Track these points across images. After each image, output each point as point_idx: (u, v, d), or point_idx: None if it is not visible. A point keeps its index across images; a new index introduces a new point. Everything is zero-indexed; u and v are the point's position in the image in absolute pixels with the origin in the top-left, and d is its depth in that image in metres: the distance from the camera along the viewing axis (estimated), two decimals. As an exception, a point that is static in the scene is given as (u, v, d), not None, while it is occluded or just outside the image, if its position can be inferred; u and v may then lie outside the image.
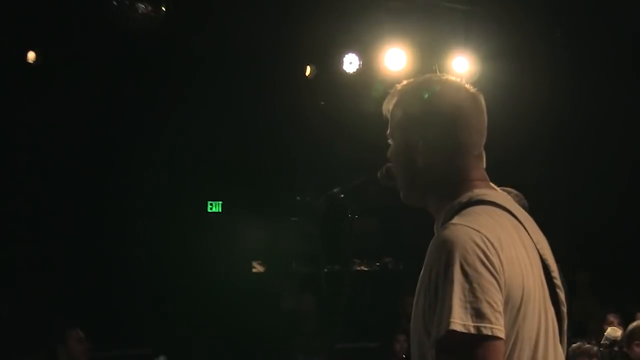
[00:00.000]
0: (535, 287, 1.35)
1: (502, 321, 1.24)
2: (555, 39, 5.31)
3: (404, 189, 1.50)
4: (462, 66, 4.97)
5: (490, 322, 1.24)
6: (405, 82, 1.46)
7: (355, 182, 2.96)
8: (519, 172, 5.33)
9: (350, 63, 4.99)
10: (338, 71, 4.98)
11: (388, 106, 1.48)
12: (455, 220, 1.35)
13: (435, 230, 1.42)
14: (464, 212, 1.38)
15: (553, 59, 5.47)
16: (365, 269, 4.32)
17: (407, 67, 4.83)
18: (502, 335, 1.24)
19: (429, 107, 1.42)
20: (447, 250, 1.28)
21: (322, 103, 4.86)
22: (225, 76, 5.11)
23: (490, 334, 1.24)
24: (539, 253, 1.42)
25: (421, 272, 1.38)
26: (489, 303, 1.25)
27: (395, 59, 4.92)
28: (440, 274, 1.27)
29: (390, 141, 1.46)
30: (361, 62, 4.91)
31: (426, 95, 1.43)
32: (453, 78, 1.47)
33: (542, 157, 6.03)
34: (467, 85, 1.45)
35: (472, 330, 1.23)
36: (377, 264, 4.21)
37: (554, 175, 5.79)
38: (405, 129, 1.43)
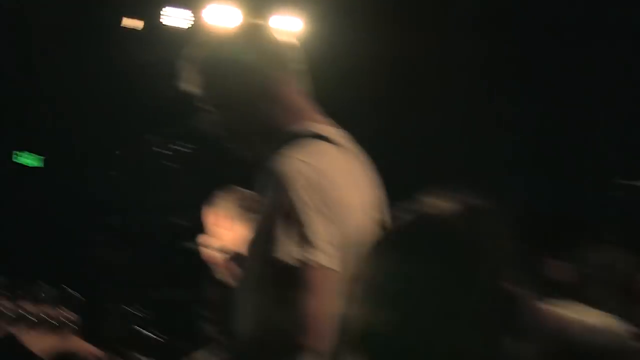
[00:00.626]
0: (366, 230, 1.36)
1: (332, 251, 1.28)
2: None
3: (255, 145, 1.51)
4: (290, 24, 5.10)
5: (323, 252, 1.30)
6: (193, 50, 1.50)
7: (171, 129, 3.07)
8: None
9: (171, 17, 4.96)
10: (158, 25, 4.95)
11: (192, 81, 1.50)
12: (287, 151, 1.37)
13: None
14: (295, 143, 1.41)
15: (387, 18, 5.79)
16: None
17: (232, 23, 4.82)
18: (332, 265, 1.28)
19: (238, 61, 1.47)
20: (277, 182, 1.32)
21: (144, 56, 4.79)
22: (42, 29, 4.84)
23: (322, 263, 1.29)
24: (371, 197, 1.44)
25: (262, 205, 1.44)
26: (317, 233, 1.30)
27: (219, 14, 4.94)
28: (270, 205, 1.33)
29: (211, 111, 1.48)
30: (184, 16, 4.92)
31: (228, 54, 1.48)
32: (231, 26, 1.63)
33: (372, 119, 6.40)
34: (249, 24, 1.65)
35: (301, 259, 1.28)
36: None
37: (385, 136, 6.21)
38: (229, 93, 1.46)
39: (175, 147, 3.81)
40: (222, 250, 2.71)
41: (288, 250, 1.31)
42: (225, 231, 2.72)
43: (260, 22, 1.72)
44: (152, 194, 4.32)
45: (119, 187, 4.40)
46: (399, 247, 0.82)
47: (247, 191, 2.61)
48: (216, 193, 2.74)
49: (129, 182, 4.13)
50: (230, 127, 1.51)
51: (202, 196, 2.93)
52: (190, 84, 1.50)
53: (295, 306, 1.34)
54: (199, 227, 3.05)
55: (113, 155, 4.18)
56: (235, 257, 2.69)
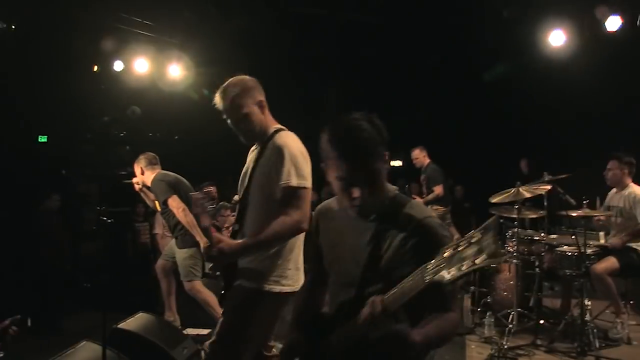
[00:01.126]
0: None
1: (310, 180, 2.47)
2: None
3: (250, 137, 2.76)
4: (176, 71, 8.13)
5: (309, 182, 2.52)
6: (222, 88, 2.68)
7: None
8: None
9: (117, 66, 7.88)
10: (111, 70, 7.87)
11: (219, 101, 2.69)
12: (281, 135, 2.64)
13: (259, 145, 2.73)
14: (280, 132, 2.69)
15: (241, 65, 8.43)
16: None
17: (148, 71, 7.96)
18: (310, 186, 2.46)
19: (242, 91, 2.66)
20: (283, 147, 2.56)
21: (103, 86, 7.95)
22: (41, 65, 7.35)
23: (309, 187, 2.52)
24: None
25: (263, 162, 2.66)
26: (305, 172, 2.52)
27: (141, 65, 7.95)
28: (280, 159, 2.51)
29: (227, 117, 2.67)
30: (123, 66, 7.86)
31: (237, 89, 2.68)
32: (239, 77, 2.71)
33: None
34: (244, 77, 2.71)
35: (302, 185, 2.49)
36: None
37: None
38: (237, 108, 2.67)
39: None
40: None
41: (295, 180, 2.47)
42: None
43: (244, 75, 2.74)
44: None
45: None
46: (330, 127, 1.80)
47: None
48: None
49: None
50: (239, 129, 2.71)
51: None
52: (220, 108, 2.67)
53: (298, 208, 2.46)
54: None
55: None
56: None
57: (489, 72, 8.52)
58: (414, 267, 1.62)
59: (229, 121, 2.73)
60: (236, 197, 8.23)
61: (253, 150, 2.92)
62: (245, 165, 2.90)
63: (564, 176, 5.62)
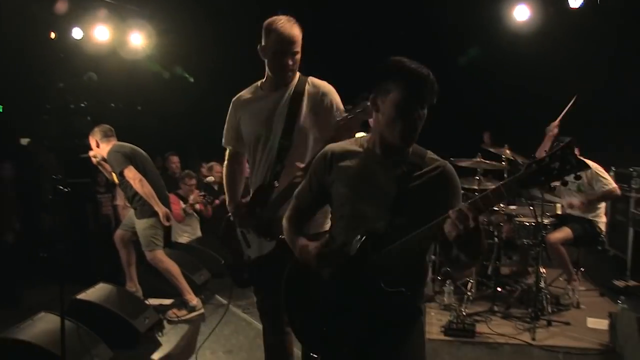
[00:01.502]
0: None
1: None
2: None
3: (287, 76, 2.77)
4: (138, 39, 8.03)
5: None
6: (291, 19, 2.72)
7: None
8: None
9: (76, 33, 7.73)
10: (70, 38, 7.75)
11: (297, 29, 2.72)
12: (314, 78, 2.82)
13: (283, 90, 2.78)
14: (311, 76, 2.84)
15: (205, 34, 8.37)
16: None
17: (109, 39, 7.86)
18: None
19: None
20: (327, 89, 2.78)
21: (62, 55, 7.80)
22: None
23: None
24: None
25: (311, 104, 2.74)
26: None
27: (102, 32, 7.78)
28: (332, 101, 2.74)
29: (291, 48, 2.67)
30: (83, 34, 7.73)
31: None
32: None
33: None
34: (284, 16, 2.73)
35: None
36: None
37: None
38: (300, 44, 2.73)
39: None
40: None
41: (344, 113, 2.66)
42: None
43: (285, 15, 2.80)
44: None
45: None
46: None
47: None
48: None
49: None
50: (287, 64, 2.73)
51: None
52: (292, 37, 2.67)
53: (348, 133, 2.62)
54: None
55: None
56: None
57: (463, 55, 8.64)
58: (437, 204, 1.84)
59: (287, 54, 2.71)
60: (210, 178, 8.19)
61: (249, 100, 2.92)
62: (257, 114, 2.87)
63: (521, 160, 5.72)
